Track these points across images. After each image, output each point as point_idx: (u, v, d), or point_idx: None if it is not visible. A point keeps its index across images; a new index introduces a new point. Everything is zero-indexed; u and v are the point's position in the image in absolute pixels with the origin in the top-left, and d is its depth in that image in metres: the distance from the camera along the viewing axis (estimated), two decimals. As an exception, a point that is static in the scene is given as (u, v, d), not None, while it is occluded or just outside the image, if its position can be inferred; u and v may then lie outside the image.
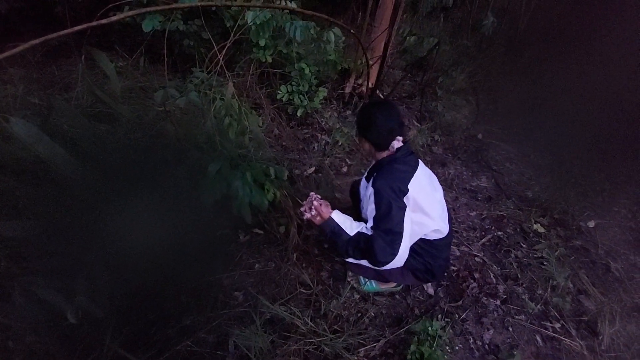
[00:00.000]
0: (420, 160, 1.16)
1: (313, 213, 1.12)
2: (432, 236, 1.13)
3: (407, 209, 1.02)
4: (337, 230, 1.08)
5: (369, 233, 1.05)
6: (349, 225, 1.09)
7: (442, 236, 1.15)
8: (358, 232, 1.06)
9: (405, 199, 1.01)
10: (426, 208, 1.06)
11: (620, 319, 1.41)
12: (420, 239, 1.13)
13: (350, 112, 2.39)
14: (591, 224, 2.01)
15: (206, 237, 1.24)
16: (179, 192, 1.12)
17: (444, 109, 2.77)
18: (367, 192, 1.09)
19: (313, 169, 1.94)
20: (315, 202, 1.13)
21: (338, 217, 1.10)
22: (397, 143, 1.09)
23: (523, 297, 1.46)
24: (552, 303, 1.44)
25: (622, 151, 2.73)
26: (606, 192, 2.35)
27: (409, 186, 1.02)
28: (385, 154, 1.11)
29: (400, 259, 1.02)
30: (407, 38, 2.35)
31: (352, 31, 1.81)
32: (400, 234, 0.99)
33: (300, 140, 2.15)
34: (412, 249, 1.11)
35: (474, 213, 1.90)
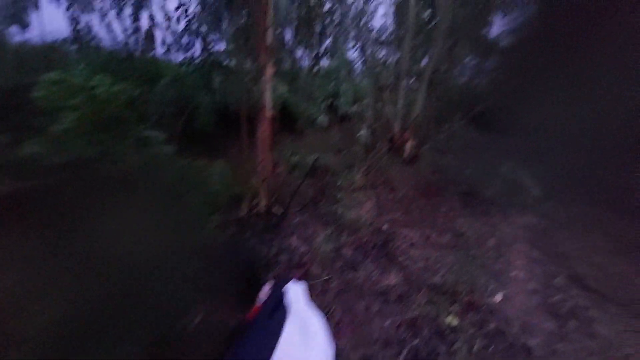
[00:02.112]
0: (292, 310, 0.96)
1: None
2: None
3: None
4: None
5: None
6: None
7: None
8: None
9: None
10: None
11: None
12: None
13: (249, 232, 2.31)
14: (498, 297, 2.05)
15: None
16: None
17: (346, 208, 2.93)
18: None
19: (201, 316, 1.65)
20: None
21: None
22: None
23: None
24: None
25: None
26: (500, 258, 2.54)
27: None
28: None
29: None
30: (291, 158, 2.59)
31: (231, 165, 1.89)
32: None
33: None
34: None
35: (388, 322, 1.77)
